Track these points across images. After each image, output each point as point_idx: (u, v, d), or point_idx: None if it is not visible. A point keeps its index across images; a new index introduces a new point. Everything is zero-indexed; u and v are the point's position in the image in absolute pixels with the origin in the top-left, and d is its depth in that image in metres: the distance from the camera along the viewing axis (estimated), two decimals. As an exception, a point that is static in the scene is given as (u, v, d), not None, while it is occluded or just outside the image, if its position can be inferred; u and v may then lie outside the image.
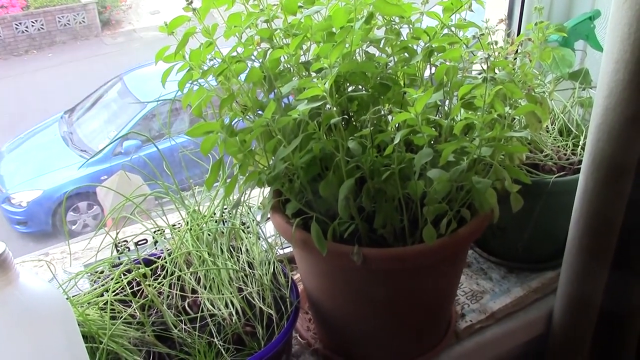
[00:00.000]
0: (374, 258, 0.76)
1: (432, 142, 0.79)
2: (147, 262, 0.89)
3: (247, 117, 0.85)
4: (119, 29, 6.95)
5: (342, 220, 0.77)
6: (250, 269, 0.90)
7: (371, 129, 0.75)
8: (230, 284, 0.87)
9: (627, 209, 0.90)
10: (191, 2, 0.79)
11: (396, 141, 0.70)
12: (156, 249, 0.97)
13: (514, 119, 0.89)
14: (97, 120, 5.17)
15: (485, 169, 0.79)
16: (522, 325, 1.01)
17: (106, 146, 4.85)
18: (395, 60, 0.89)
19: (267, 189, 0.87)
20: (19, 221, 4.47)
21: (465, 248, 0.85)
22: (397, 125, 0.77)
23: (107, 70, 5.59)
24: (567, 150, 1.04)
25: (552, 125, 1.08)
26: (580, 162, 1.00)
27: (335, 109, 0.73)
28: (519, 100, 0.87)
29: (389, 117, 0.85)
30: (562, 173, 0.99)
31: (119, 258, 0.96)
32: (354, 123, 0.84)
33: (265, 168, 0.81)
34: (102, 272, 0.91)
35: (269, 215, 0.84)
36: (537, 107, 0.83)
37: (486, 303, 1.00)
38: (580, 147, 1.03)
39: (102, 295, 0.85)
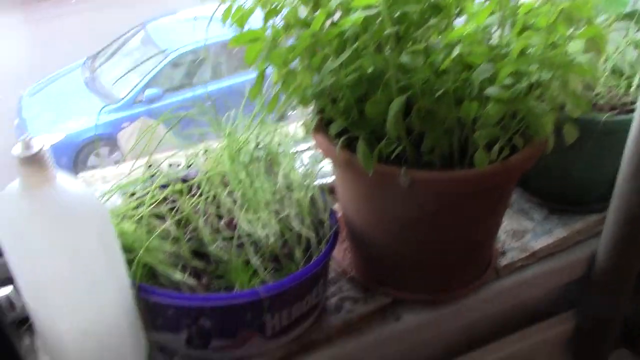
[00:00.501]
0: (422, 181, 0.73)
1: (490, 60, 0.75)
2: (183, 181, 0.87)
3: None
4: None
5: (389, 140, 0.74)
6: (288, 192, 0.88)
7: (425, 45, 0.71)
8: (267, 206, 0.85)
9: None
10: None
11: (455, 53, 0.66)
12: (190, 169, 0.94)
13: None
14: (120, 67, 5.15)
15: (541, 97, 0.76)
16: (563, 266, 0.98)
17: (128, 93, 4.84)
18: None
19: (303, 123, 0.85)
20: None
21: (515, 178, 0.82)
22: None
23: (129, 18, 5.54)
24: (619, 91, 0.99)
25: (604, 64, 1.03)
26: (632, 102, 0.96)
27: (387, 21, 0.69)
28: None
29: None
30: (614, 112, 0.95)
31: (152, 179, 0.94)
32: (404, 43, 0.80)
33: (312, 83, 0.78)
34: (134, 193, 0.89)
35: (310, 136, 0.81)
36: (600, 30, 0.78)
37: (527, 242, 0.98)
38: (634, 87, 0.99)
39: (137, 208, 0.83)
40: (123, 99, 4.78)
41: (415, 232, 0.81)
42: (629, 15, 1.07)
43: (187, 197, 0.85)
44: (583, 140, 0.94)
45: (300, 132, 0.93)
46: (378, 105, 0.74)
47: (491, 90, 0.68)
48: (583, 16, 0.71)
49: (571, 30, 0.72)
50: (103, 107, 4.75)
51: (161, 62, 4.82)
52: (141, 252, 0.76)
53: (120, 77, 4.96)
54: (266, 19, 0.78)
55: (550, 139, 0.76)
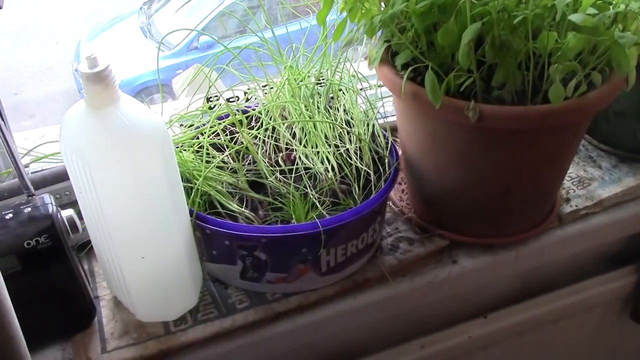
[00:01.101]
0: (491, 115, 0.69)
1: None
2: (242, 113, 0.86)
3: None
4: None
5: (459, 72, 0.70)
6: (349, 127, 0.85)
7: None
8: (326, 141, 0.83)
9: None
10: None
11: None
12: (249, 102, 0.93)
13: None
14: (175, 13, 5.14)
15: (624, 30, 0.71)
16: (630, 217, 0.93)
17: (182, 40, 4.84)
18: None
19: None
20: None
21: (589, 116, 0.77)
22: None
23: (186, -37, 5.50)
24: None
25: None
26: None
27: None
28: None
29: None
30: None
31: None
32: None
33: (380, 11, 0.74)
34: (192, 124, 0.88)
35: (376, 65, 0.78)
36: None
37: (594, 190, 0.93)
38: None
39: (197, 138, 0.82)
40: (177, 45, 4.79)
41: (480, 172, 0.78)
42: None
43: (246, 128, 0.84)
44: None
45: (364, 70, 0.90)
46: (450, 34, 0.70)
47: (576, 17, 0.63)
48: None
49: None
50: (155, 54, 4.77)
51: (217, 8, 4.80)
52: (200, 181, 0.75)
53: (174, 24, 4.96)
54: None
55: (632, 75, 0.71)
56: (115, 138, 0.61)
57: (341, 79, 0.91)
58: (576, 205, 0.91)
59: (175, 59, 4.71)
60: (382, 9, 0.74)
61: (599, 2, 0.67)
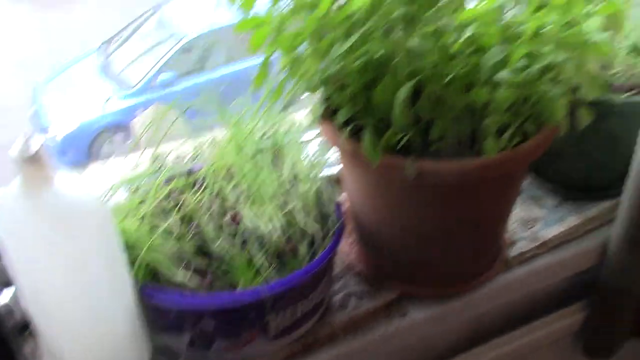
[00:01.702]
0: (428, 171, 0.70)
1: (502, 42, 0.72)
2: (187, 175, 0.85)
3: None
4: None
5: (396, 129, 0.71)
6: (294, 184, 0.85)
7: (434, 27, 0.68)
8: (272, 201, 0.83)
9: None
10: None
11: (466, 35, 0.63)
12: (195, 162, 0.92)
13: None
14: (134, 51, 5.12)
15: (554, 79, 0.72)
16: (575, 256, 0.95)
17: (141, 79, 4.82)
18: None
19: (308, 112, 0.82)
20: (56, 151, 4.50)
21: (526, 165, 0.79)
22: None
23: (144, 1, 5.50)
24: (638, 69, 0.95)
25: (622, 41, 0.99)
26: (654, 81, 0.92)
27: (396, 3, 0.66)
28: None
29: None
30: (633, 92, 0.91)
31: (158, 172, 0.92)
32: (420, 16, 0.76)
33: (318, 70, 0.75)
34: (138, 189, 0.87)
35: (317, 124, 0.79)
36: (620, 7, 0.74)
37: (538, 231, 0.94)
38: (654, 66, 0.95)
39: (140, 204, 0.81)
40: (137, 84, 4.77)
41: (422, 224, 0.78)
42: (649, -10, 1.03)
43: (192, 191, 0.83)
44: (599, 122, 0.91)
45: (308, 121, 0.91)
46: (386, 91, 0.71)
47: (502, 75, 0.65)
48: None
49: (588, 8, 0.68)
50: (114, 95, 4.75)
51: (174, 46, 4.80)
52: (143, 251, 0.74)
53: (133, 63, 4.94)
54: (274, 1, 0.76)
55: (563, 124, 0.73)
56: (51, 220, 0.60)
57: (286, 134, 0.91)
58: (522, 248, 0.92)
59: (134, 98, 4.69)
60: (322, 67, 0.75)
61: (529, 53, 0.69)
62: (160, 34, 5.09)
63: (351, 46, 0.69)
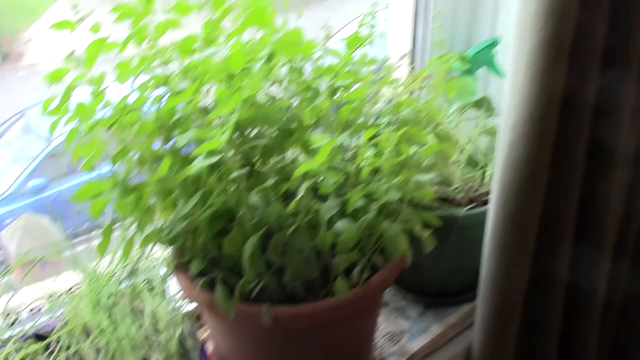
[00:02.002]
0: (285, 317, 0.71)
1: (340, 187, 0.76)
2: (41, 335, 0.81)
3: (145, 169, 0.79)
4: (20, 62, 6.64)
5: (248, 278, 0.72)
6: (155, 333, 0.84)
7: (275, 179, 0.71)
8: (134, 352, 0.81)
9: (539, 237, 0.90)
10: (73, 51, 0.73)
11: (300, 194, 0.66)
12: (50, 318, 0.89)
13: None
14: (0, 159, 4.88)
15: (395, 212, 0.77)
16: (443, 364, 0.99)
17: (9, 186, 4.60)
18: (300, 99, 0.86)
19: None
20: None
21: (379, 296, 0.82)
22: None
23: (9, 106, 5.30)
24: (475, 182, 1.03)
25: (459, 156, 1.07)
26: (488, 193, 1.00)
27: (236, 158, 0.69)
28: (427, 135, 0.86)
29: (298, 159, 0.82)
30: (472, 205, 0.98)
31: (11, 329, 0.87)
32: (259, 170, 0.80)
33: (166, 225, 0.75)
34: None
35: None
36: (444, 145, 0.81)
37: (405, 344, 0.98)
38: (487, 177, 1.03)
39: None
40: (4, 192, 4.53)
41: (288, 364, 0.79)
42: (478, 103, 1.13)
43: (46, 355, 0.79)
44: (446, 235, 0.97)
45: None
46: (235, 242, 0.72)
47: (339, 225, 0.68)
48: (421, 139, 0.73)
49: (415, 149, 0.74)
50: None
51: (43, 150, 4.63)
52: None
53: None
54: (113, 161, 0.76)
55: (409, 254, 0.77)
56: None
57: (144, 280, 0.89)
58: (391, 364, 0.95)
59: (3, 207, 4.44)
60: (170, 222, 0.75)
61: (365, 196, 0.73)
62: (27, 139, 4.90)
63: (197, 201, 0.71)
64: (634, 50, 0.84)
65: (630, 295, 1.19)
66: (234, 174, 0.67)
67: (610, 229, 0.99)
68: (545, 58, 0.76)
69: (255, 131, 0.82)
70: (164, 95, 0.80)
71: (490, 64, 1.16)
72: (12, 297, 0.89)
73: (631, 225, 1.09)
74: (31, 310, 0.91)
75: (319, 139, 0.71)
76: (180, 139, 0.73)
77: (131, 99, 0.77)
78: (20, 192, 4.61)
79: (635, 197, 1.05)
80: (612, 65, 0.84)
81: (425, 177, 0.72)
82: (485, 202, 0.99)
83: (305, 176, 0.70)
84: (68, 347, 0.80)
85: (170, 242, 0.73)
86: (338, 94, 0.83)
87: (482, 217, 0.95)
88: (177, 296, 0.88)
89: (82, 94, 0.76)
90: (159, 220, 0.77)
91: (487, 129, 1.11)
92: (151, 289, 0.89)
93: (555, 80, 0.78)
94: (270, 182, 0.69)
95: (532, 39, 0.77)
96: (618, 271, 1.13)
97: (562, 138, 0.84)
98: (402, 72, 0.94)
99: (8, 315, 0.88)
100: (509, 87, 0.82)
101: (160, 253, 0.92)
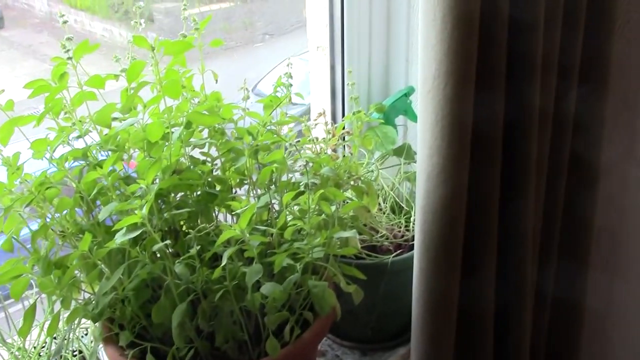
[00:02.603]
0: (217, 383, 0.72)
1: (266, 248, 0.77)
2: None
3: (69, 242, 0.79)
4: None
5: (179, 345, 0.72)
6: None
7: (198, 248, 0.72)
8: None
9: (462, 284, 0.93)
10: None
11: (224, 262, 0.67)
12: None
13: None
14: None
15: (321, 268, 0.79)
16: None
17: None
18: (223, 160, 0.88)
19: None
20: None
21: (313, 350, 0.84)
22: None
23: None
24: (401, 228, 1.06)
25: (384, 203, 1.11)
26: (414, 238, 1.03)
27: (157, 227, 0.69)
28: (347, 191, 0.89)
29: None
30: (399, 251, 1.01)
31: None
32: (183, 239, 0.80)
33: (91, 299, 0.75)
34: None
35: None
36: (364, 200, 0.84)
37: (345, 392, 0.99)
38: (412, 222, 1.07)
39: None
40: None
41: None
42: (398, 151, 1.17)
43: None
44: (376, 282, 1.00)
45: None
46: (163, 311, 0.73)
47: (265, 289, 0.69)
48: (338, 199, 0.75)
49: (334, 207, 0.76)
50: None
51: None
52: None
53: None
54: (33, 239, 0.75)
55: (338, 309, 0.79)
56: None
57: (75, 352, 0.88)
58: (330, 419, 0.95)
59: None
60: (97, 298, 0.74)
61: (290, 256, 0.75)
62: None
63: (123, 273, 0.71)
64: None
65: (560, 289, 1.24)
66: (156, 247, 0.67)
67: (529, 245, 1.03)
68: (451, 113, 0.81)
69: (179, 196, 0.83)
70: (84, 167, 0.80)
71: (407, 111, 1.20)
72: None
73: (554, 229, 1.14)
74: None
75: (240, 204, 0.72)
76: (103, 212, 0.73)
77: (50, 173, 0.77)
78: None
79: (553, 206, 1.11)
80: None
81: (346, 234, 0.74)
82: (411, 248, 1.02)
83: (230, 241, 0.72)
84: None
85: (97, 318, 0.72)
86: (259, 154, 0.86)
87: (408, 262, 0.98)
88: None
89: (-1, 172, 0.75)
90: (86, 292, 0.76)
91: (408, 175, 1.15)
92: (82, 361, 0.88)
93: (464, 133, 0.83)
94: (195, 250, 0.70)
95: (436, 96, 0.81)
96: (546, 267, 1.17)
97: (475, 175, 0.89)
98: (320, 130, 0.97)
99: None
100: (419, 139, 0.86)
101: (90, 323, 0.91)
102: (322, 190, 0.74)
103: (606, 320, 1.54)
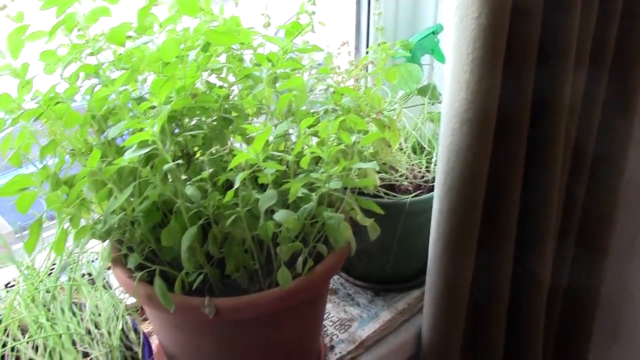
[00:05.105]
0: (226, 308, 0.70)
1: (281, 177, 0.75)
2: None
3: (78, 161, 0.76)
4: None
5: (188, 270, 0.70)
6: (97, 328, 0.81)
7: (211, 171, 0.69)
8: (74, 348, 0.78)
9: (484, 222, 0.90)
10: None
11: (236, 185, 0.65)
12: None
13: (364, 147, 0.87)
14: None
15: (337, 200, 0.76)
16: (392, 350, 0.99)
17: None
18: (241, 87, 0.84)
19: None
20: None
21: (325, 285, 0.82)
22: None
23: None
24: (421, 168, 1.03)
25: (405, 143, 1.07)
26: (434, 179, 1.00)
27: (170, 150, 0.67)
28: (369, 124, 0.85)
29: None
30: (418, 192, 0.98)
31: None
32: (197, 160, 0.78)
33: (100, 219, 0.73)
34: None
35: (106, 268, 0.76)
36: (385, 133, 0.81)
37: (355, 331, 0.98)
38: (433, 164, 1.03)
39: None
40: None
41: (233, 356, 0.78)
42: (423, 90, 1.13)
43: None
44: (393, 222, 0.97)
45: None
46: (173, 235, 0.71)
47: (278, 216, 0.67)
48: (360, 127, 0.72)
49: (354, 137, 0.73)
50: None
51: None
52: None
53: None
54: (42, 154, 0.73)
55: (353, 243, 0.76)
56: None
57: (82, 275, 0.87)
58: (340, 352, 0.94)
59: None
60: (105, 216, 0.73)
61: (306, 185, 0.72)
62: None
63: (132, 193, 0.69)
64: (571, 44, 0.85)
65: (575, 279, 1.22)
66: (167, 166, 0.65)
67: (553, 213, 1.00)
68: (485, 45, 0.76)
69: (194, 121, 0.80)
70: (96, 86, 0.77)
71: (434, 50, 1.16)
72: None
73: (575, 208, 1.11)
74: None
75: (255, 128, 0.69)
76: (112, 130, 0.71)
77: (61, 90, 0.74)
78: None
79: (577, 183, 1.07)
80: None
81: (366, 165, 0.71)
82: (430, 189, 0.99)
83: (244, 166, 0.69)
84: (4, 345, 0.77)
85: (104, 237, 0.70)
86: (279, 83, 0.82)
87: (427, 203, 0.95)
88: (118, 290, 0.86)
89: (9, 86, 0.73)
90: (96, 213, 0.74)
91: (432, 116, 1.11)
92: (91, 283, 0.87)
93: (496, 65, 0.78)
94: (207, 173, 0.67)
95: (469, 26, 0.77)
96: (562, 255, 1.15)
97: (505, 122, 0.85)
98: (343, 61, 0.93)
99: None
100: (448, 73, 0.82)
101: (100, 246, 0.90)
102: (342, 118, 0.70)
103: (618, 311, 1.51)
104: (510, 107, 0.85)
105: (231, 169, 0.69)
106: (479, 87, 0.79)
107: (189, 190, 0.66)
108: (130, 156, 0.63)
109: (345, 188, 0.74)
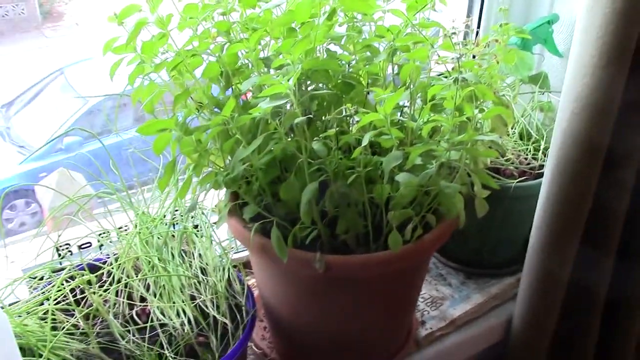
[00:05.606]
0: (336, 265, 0.72)
1: (398, 144, 0.76)
2: (92, 268, 0.83)
3: (203, 115, 0.80)
4: (61, 22, 6.69)
5: (303, 225, 0.73)
6: (204, 275, 0.85)
7: (336, 129, 0.71)
8: (182, 292, 0.82)
9: (591, 214, 0.89)
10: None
11: (365, 143, 0.66)
12: (101, 253, 0.91)
13: (479, 122, 0.87)
14: (37, 114, 4.96)
15: (451, 174, 0.77)
16: (481, 332, 0.99)
17: (46, 142, 4.67)
18: (357, 59, 0.86)
19: (223, 191, 0.83)
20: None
21: (429, 254, 0.83)
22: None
23: (47, 64, 5.36)
24: (527, 155, 1.02)
25: (511, 129, 1.06)
26: (541, 167, 0.99)
27: (298, 108, 0.69)
28: (484, 104, 0.85)
29: (354, 118, 0.82)
30: (523, 178, 0.98)
31: (61, 263, 0.90)
32: (316, 123, 0.80)
33: (222, 169, 0.76)
34: (41, 278, 0.85)
35: (224, 220, 0.79)
36: (504, 110, 0.81)
37: (446, 310, 0.98)
38: (540, 151, 1.02)
39: (42, 304, 0.78)
40: (40, 148, 4.60)
41: (333, 313, 0.80)
42: (534, 79, 1.12)
43: (97, 286, 0.81)
44: (495, 206, 0.97)
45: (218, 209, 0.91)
46: (292, 189, 0.73)
47: (401, 177, 0.68)
48: (487, 98, 0.72)
49: (477, 111, 0.73)
50: (23, 160, 4.56)
51: (80, 108, 4.69)
52: (46, 353, 0.71)
53: (36, 125, 4.78)
54: (176, 102, 0.77)
55: (462, 215, 0.77)
56: None
57: (193, 226, 0.91)
58: (431, 328, 0.95)
59: (38, 162, 4.51)
60: (228, 166, 0.76)
61: (425, 152, 0.73)
62: (64, 96, 4.96)
63: (257, 146, 0.71)
64: None
65: None
66: (298, 119, 0.67)
67: None
68: (617, 30, 0.75)
69: (313, 86, 0.82)
70: (226, 44, 0.81)
71: (547, 40, 1.14)
72: (62, 232, 0.91)
73: None
74: (81, 246, 0.93)
75: (384, 91, 0.71)
76: (244, 84, 0.74)
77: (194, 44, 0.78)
78: (55, 148, 4.68)
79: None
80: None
81: (488, 138, 0.72)
82: (536, 176, 0.98)
83: (365, 130, 0.71)
84: (119, 280, 0.81)
85: (228, 184, 0.73)
86: (397, 56, 0.83)
87: (532, 190, 0.95)
88: (224, 243, 0.90)
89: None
90: (216, 164, 0.78)
91: (542, 105, 1.10)
92: (201, 234, 0.90)
93: (626, 51, 0.77)
94: (333, 131, 0.69)
95: (602, 9, 0.76)
96: None
97: (627, 113, 0.83)
98: (462, 38, 0.93)
99: (58, 249, 0.90)
100: (574, 57, 0.81)
101: (210, 202, 0.94)
102: (471, 87, 0.71)
103: None
104: (634, 97, 0.83)
105: (351, 134, 0.71)
106: (605, 72, 0.78)
107: (316, 145, 0.68)
108: (267, 106, 0.66)
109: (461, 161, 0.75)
